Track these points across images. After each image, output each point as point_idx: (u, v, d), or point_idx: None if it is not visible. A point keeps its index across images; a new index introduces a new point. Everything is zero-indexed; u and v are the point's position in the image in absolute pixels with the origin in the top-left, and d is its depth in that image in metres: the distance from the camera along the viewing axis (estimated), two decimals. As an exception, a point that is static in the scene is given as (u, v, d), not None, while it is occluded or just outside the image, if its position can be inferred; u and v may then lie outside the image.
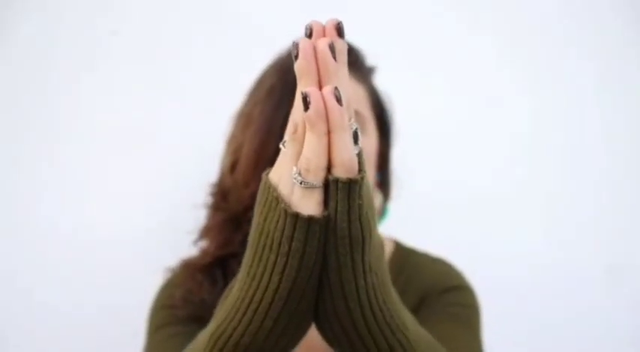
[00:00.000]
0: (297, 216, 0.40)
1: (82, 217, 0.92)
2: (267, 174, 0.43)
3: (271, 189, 0.42)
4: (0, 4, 0.91)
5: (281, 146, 0.43)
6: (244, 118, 0.71)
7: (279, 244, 0.41)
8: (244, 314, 0.44)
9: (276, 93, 0.68)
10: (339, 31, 0.40)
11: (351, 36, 0.46)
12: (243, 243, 0.67)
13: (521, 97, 0.98)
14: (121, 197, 0.92)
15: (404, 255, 0.74)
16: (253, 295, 0.43)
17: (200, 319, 0.65)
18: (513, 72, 0.98)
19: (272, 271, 0.42)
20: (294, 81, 0.67)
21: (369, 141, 0.68)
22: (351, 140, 0.40)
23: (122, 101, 0.93)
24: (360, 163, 0.41)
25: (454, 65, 0.97)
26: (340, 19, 0.40)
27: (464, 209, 0.96)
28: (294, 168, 0.41)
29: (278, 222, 0.41)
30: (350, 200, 0.40)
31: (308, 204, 0.41)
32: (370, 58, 0.75)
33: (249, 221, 0.67)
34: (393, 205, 0.77)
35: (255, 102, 0.70)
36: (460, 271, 0.74)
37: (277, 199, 0.41)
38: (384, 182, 0.76)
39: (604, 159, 0.98)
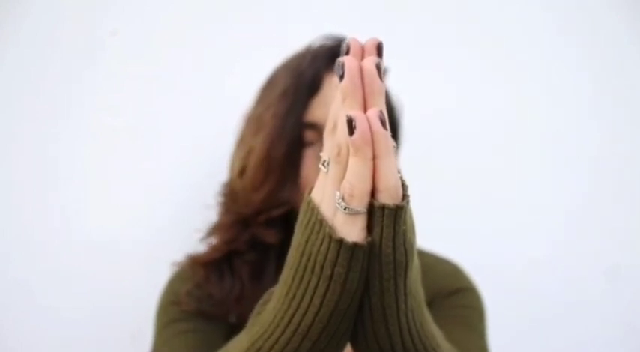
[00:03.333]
0: (341, 241, 0.40)
1: (84, 218, 0.92)
2: (310, 193, 0.43)
3: (315, 211, 0.41)
4: (0, 4, 0.91)
5: (321, 166, 0.42)
6: (255, 122, 0.71)
7: (322, 268, 0.41)
8: (282, 333, 0.44)
9: (288, 97, 0.68)
10: (379, 50, 0.39)
11: (350, 35, 0.46)
12: (250, 243, 0.69)
13: (521, 97, 0.98)
14: (122, 197, 0.92)
15: None
16: (292, 315, 0.43)
17: (207, 314, 0.67)
18: (511, 72, 0.98)
19: (313, 294, 0.42)
20: (307, 84, 0.68)
21: None
22: (395, 164, 0.39)
23: (122, 101, 0.93)
24: (404, 186, 0.41)
25: (454, 66, 0.97)
26: (380, 39, 0.39)
27: (464, 209, 0.96)
28: (338, 193, 0.40)
29: (321, 245, 0.41)
30: (396, 226, 0.40)
31: (352, 230, 0.40)
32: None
33: (257, 223, 0.68)
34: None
35: (267, 105, 0.70)
36: (467, 272, 0.74)
37: (321, 223, 0.41)
38: None
39: (604, 159, 0.98)
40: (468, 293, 0.71)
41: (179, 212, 0.90)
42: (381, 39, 0.39)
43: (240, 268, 0.69)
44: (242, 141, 0.72)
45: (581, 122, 0.98)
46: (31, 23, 0.91)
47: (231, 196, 0.71)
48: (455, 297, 0.70)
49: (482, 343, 0.67)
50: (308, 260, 0.41)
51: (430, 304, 0.67)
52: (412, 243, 0.42)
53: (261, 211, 0.68)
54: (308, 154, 0.68)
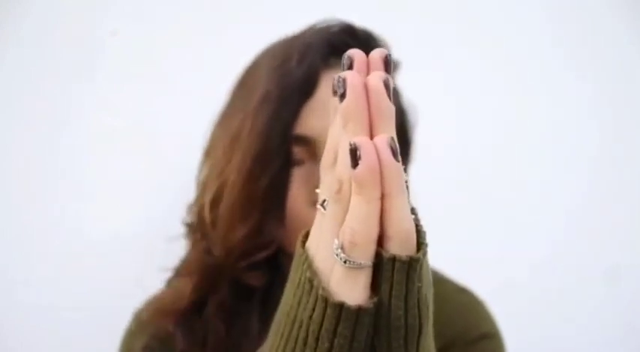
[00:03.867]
0: (341, 306, 0.31)
1: (82, 217, 0.92)
2: (304, 239, 0.35)
3: (306, 265, 0.33)
4: (0, 4, 0.91)
5: (319, 207, 0.34)
6: (228, 135, 0.57)
7: (317, 339, 0.32)
8: None
9: (271, 105, 0.53)
10: (387, 64, 0.32)
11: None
12: (232, 291, 0.55)
13: (521, 97, 0.98)
14: (121, 197, 0.92)
15: None
16: None
17: None
18: (511, 72, 0.98)
19: None
20: (297, 84, 0.53)
21: None
22: (408, 205, 0.32)
23: (122, 101, 0.93)
24: (419, 232, 0.33)
25: (455, 66, 0.97)
26: (388, 51, 0.33)
27: (464, 209, 0.95)
28: (336, 242, 0.32)
29: (314, 309, 0.32)
30: (409, 283, 0.32)
31: (353, 289, 0.32)
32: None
33: (238, 269, 0.53)
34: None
35: (244, 115, 0.55)
36: (489, 309, 0.65)
37: (312, 282, 0.32)
38: None
39: (604, 158, 0.98)
40: (494, 342, 0.62)
41: (179, 212, 0.90)
42: (388, 50, 0.33)
43: (215, 316, 0.56)
44: (213, 158, 0.59)
45: (580, 122, 0.98)
46: (31, 23, 0.91)
47: (200, 229, 0.58)
48: (480, 346, 0.60)
49: None
50: (300, 328, 0.33)
51: (449, 349, 0.57)
52: (428, 303, 0.34)
53: (241, 257, 0.54)
54: (296, 177, 0.54)
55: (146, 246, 0.91)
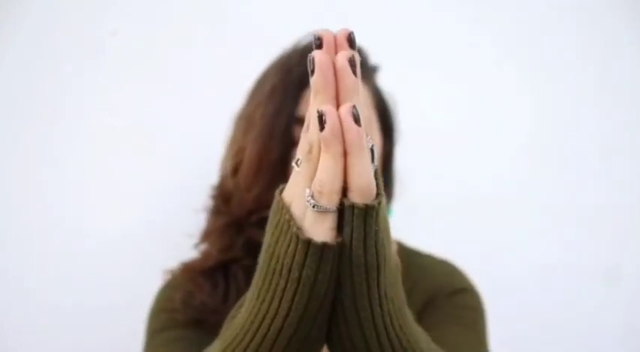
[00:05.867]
0: (309, 242, 0.38)
1: (82, 217, 0.92)
2: (281, 192, 0.41)
3: (284, 210, 0.40)
4: (0, 4, 0.91)
5: (294, 164, 0.40)
6: (245, 121, 0.70)
7: (289, 270, 0.39)
8: (252, 338, 0.42)
9: (277, 95, 0.67)
10: (351, 42, 0.37)
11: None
12: (246, 247, 0.67)
13: (521, 98, 0.98)
14: (121, 197, 0.92)
15: (408, 257, 0.73)
16: (262, 320, 0.42)
17: (200, 323, 0.65)
18: (514, 72, 0.98)
19: (282, 297, 0.40)
20: (295, 81, 0.66)
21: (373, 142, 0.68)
22: (369, 162, 0.38)
23: (122, 101, 0.93)
24: (378, 185, 0.39)
25: (455, 66, 0.97)
26: (351, 29, 0.38)
27: (464, 209, 0.96)
28: (307, 191, 0.39)
29: (289, 246, 0.39)
30: (366, 227, 0.38)
31: (321, 230, 0.39)
32: (372, 57, 0.75)
33: (251, 225, 0.67)
34: (393, 205, 0.77)
35: (257, 104, 0.69)
36: (466, 273, 0.74)
37: (289, 222, 0.39)
38: (387, 182, 0.76)
39: (604, 159, 0.98)
40: (468, 294, 0.70)
41: (180, 212, 0.90)
42: (352, 29, 0.37)
43: (236, 274, 0.68)
44: (233, 141, 0.72)
45: (581, 122, 0.98)
46: (31, 23, 0.91)
47: (223, 197, 0.70)
48: (455, 298, 0.69)
49: (481, 343, 0.66)
50: (277, 262, 0.40)
51: (429, 304, 0.67)
52: (385, 245, 0.40)
53: (254, 211, 0.66)
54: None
55: (146, 246, 0.91)
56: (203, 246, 0.72)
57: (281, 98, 0.66)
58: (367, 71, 0.72)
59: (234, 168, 0.69)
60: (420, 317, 0.50)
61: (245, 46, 0.93)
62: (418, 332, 0.47)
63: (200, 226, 0.73)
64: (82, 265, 0.91)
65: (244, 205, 0.67)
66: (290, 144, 0.66)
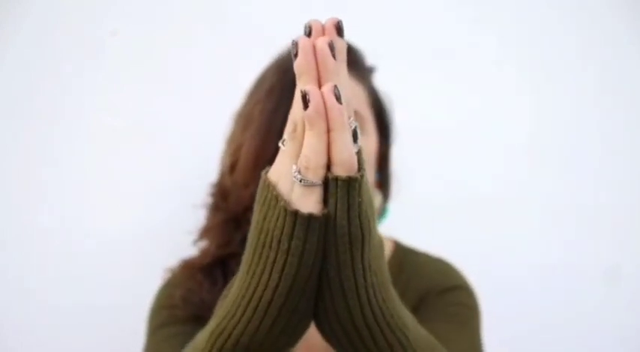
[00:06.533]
0: (296, 213, 0.40)
1: (82, 217, 0.92)
2: (267, 172, 0.44)
3: (270, 187, 0.42)
4: (0, 4, 0.91)
5: (280, 144, 0.43)
6: (244, 118, 0.71)
7: (279, 242, 0.41)
8: (244, 312, 0.44)
9: (275, 93, 0.68)
10: (339, 29, 0.40)
11: (351, 35, 0.46)
12: (243, 243, 0.68)
13: (521, 98, 0.98)
14: (121, 197, 0.92)
15: (404, 255, 0.74)
16: (253, 293, 0.43)
17: (200, 319, 0.65)
18: (514, 72, 0.98)
19: (272, 269, 0.42)
20: (293, 80, 0.67)
21: (369, 141, 0.68)
22: (350, 139, 0.40)
23: (122, 101, 0.93)
24: (360, 162, 0.41)
25: (454, 65, 0.97)
26: (340, 18, 0.41)
27: (464, 209, 0.95)
28: (294, 167, 0.41)
29: (277, 219, 0.41)
30: (350, 198, 0.40)
31: (307, 203, 0.41)
32: (369, 58, 0.75)
33: (248, 221, 0.67)
34: (392, 205, 0.77)
35: (255, 102, 0.70)
36: (460, 271, 0.74)
37: (277, 197, 0.41)
38: (383, 182, 0.76)
39: (604, 159, 0.98)
40: (462, 291, 0.71)
41: (180, 212, 0.90)
42: (340, 18, 0.40)
43: (234, 271, 0.68)
44: (232, 138, 0.73)
45: (581, 122, 0.98)
46: (31, 23, 0.91)
47: (221, 194, 0.72)
48: (448, 295, 0.70)
49: (475, 340, 0.67)
50: (266, 236, 0.42)
51: (422, 301, 0.68)
52: (368, 217, 0.42)
53: (251, 207, 0.67)
54: None
55: (146, 246, 0.91)
56: (202, 243, 0.72)
57: (278, 97, 0.67)
58: (363, 71, 0.73)
59: (232, 164, 0.70)
60: (414, 315, 0.51)
61: (245, 46, 0.93)
62: (403, 311, 0.48)
63: (199, 225, 0.73)
64: (83, 265, 0.91)
65: (242, 201, 0.68)
66: None
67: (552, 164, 0.98)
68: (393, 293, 0.47)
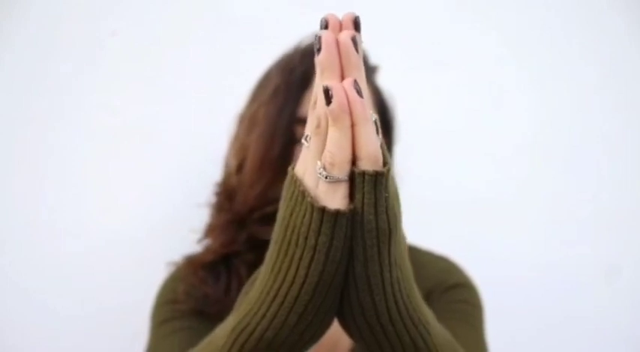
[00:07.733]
0: (323, 210, 0.40)
1: (83, 217, 0.92)
2: (293, 168, 0.43)
3: (297, 183, 0.42)
4: (0, 4, 0.91)
5: (303, 141, 0.42)
6: (248, 120, 0.72)
7: (306, 238, 0.41)
8: (268, 308, 0.44)
9: (280, 94, 0.68)
10: (357, 25, 0.40)
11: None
12: (247, 243, 0.69)
13: (521, 98, 0.98)
14: (121, 197, 0.92)
15: (408, 253, 0.74)
16: (278, 289, 0.43)
17: (203, 314, 0.67)
18: (514, 72, 0.98)
19: (298, 265, 0.42)
20: (298, 82, 0.68)
21: None
22: (375, 132, 0.40)
23: (122, 101, 0.93)
24: (385, 155, 0.41)
25: (455, 65, 0.97)
26: (356, 13, 0.40)
27: (464, 209, 0.96)
28: (319, 163, 0.40)
29: (304, 216, 0.41)
30: (377, 192, 0.40)
31: (334, 198, 0.40)
32: (372, 57, 0.75)
33: (253, 221, 0.69)
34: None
35: (260, 103, 0.71)
36: (464, 269, 0.75)
37: (303, 194, 0.41)
38: None
39: (604, 159, 0.98)
40: (465, 289, 0.72)
41: (180, 211, 0.90)
42: (358, 14, 0.40)
43: (238, 268, 0.70)
44: (236, 139, 0.73)
45: (581, 122, 0.98)
46: (31, 23, 0.91)
47: (226, 194, 0.72)
48: (452, 292, 0.70)
49: (479, 338, 0.67)
50: (292, 232, 0.42)
51: (427, 299, 0.68)
52: (395, 211, 0.42)
53: (256, 208, 0.68)
54: (299, 150, 0.69)
55: (146, 246, 0.91)
56: (206, 242, 0.73)
57: (283, 99, 0.68)
58: (367, 71, 0.73)
59: (238, 165, 0.70)
60: None
61: (245, 46, 0.93)
62: (424, 306, 0.48)
63: (200, 224, 0.73)
64: (83, 265, 0.91)
65: (247, 202, 0.68)
66: (292, 143, 0.68)
67: (552, 164, 0.98)
68: (415, 289, 0.47)
